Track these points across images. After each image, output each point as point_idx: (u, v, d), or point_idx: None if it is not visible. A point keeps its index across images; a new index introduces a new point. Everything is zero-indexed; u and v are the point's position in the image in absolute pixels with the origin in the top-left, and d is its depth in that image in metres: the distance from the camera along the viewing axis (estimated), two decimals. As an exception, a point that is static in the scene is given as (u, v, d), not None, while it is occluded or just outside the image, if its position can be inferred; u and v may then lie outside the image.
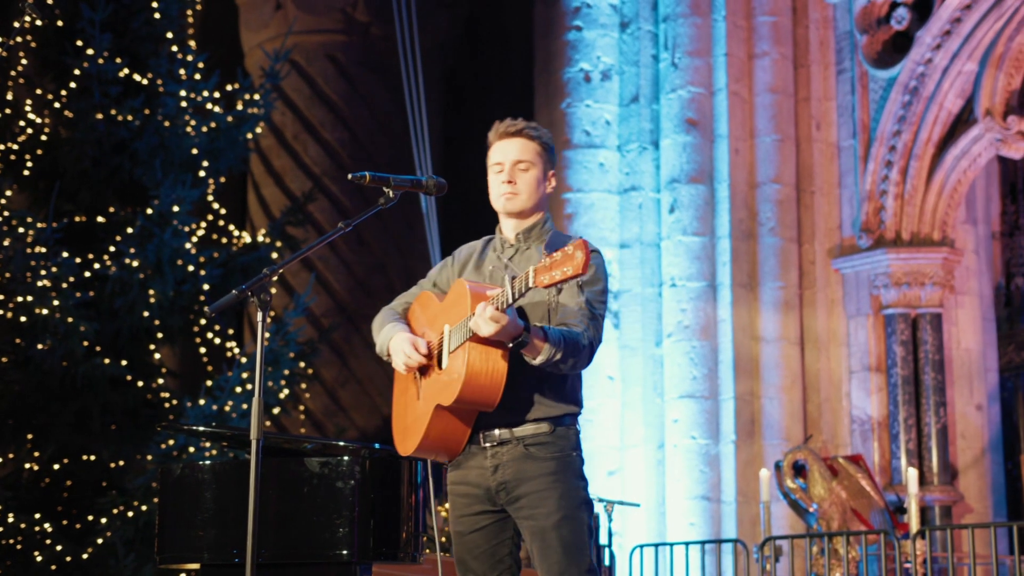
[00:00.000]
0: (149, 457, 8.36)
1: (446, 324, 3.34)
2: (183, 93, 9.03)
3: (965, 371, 9.59)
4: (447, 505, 3.67)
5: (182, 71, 9.17)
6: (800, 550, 7.84)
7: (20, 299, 8.30)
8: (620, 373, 9.61)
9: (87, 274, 8.64)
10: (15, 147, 8.94)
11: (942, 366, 9.34)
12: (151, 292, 8.57)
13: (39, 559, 8.07)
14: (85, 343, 8.34)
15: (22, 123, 9.02)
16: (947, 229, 9.51)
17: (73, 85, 8.94)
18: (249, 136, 9.41)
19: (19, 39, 9.00)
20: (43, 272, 8.32)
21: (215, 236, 9.45)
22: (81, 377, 8.32)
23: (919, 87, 9.37)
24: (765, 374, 9.37)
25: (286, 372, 8.87)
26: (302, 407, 11.20)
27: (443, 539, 6.63)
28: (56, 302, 8.23)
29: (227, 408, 8.42)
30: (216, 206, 9.40)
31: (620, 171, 9.88)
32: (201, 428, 5.71)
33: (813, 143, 9.73)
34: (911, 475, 7.33)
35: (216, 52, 10.31)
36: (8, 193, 8.67)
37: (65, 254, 8.46)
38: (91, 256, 8.70)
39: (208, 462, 4.22)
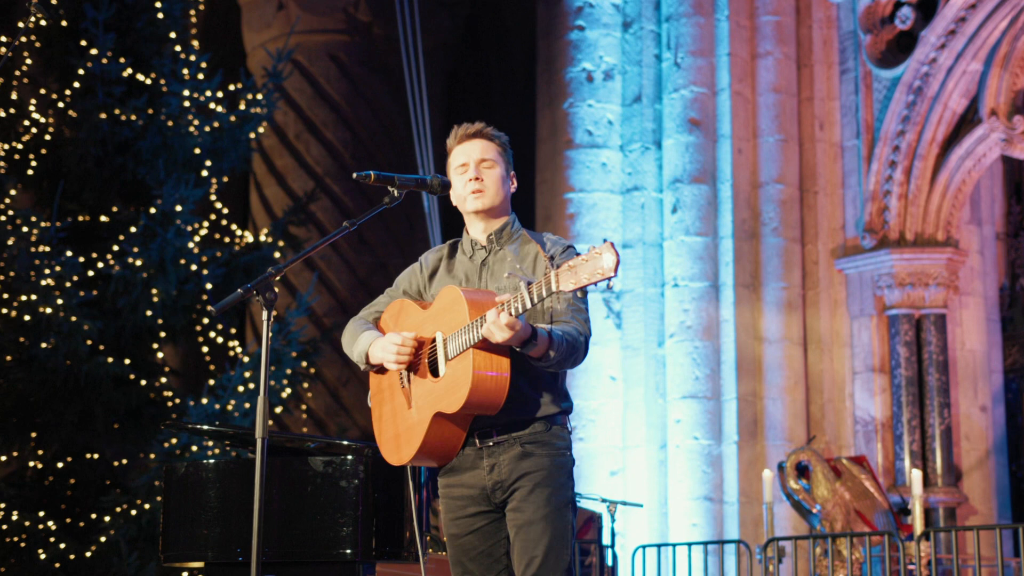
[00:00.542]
0: (152, 456, 8.38)
1: (438, 331, 3.33)
2: (186, 93, 9.03)
3: (969, 372, 9.57)
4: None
5: (185, 71, 9.17)
6: (803, 551, 7.83)
7: (24, 298, 8.31)
8: (622, 373, 9.60)
9: (90, 273, 8.65)
10: (19, 146, 8.96)
11: (946, 367, 9.32)
12: (154, 291, 8.58)
13: (43, 557, 8.08)
14: (88, 342, 8.34)
15: (26, 123, 9.03)
16: (951, 229, 9.49)
17: (77, 85, 8.95)
18: (252, 136, 9.41)
19: (23, 39, 9.01)
20: (47, 271, 8.33)
21: (218, 235, 9.47)
22: (84, 376, 8.33)
23: (923, 87, 9.35)
24: (768, 375, 9.35)
25: (288, 371, 8.88)
26: (304, 406, 11.21)
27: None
28: (59, 301, 8.24)
29: (229, 407, 8.43)
30: (219, 206, 9.41)
31: (623, 171, 9.87)
32: (205, 427, 5.70)
33: (816, 143, 9.71)
34: (915, 476, 7.31)
35: (219, 52, 10.33)
36: (12, 192, 8.69)
37: (68, 253, 8.47)
38: (94, 255, 8.71)
39: (212, 461, 4.22)
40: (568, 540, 3.32)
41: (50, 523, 8.17)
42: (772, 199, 9.54)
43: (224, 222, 9.49)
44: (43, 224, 8.51)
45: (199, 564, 4.24)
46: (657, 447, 9.42)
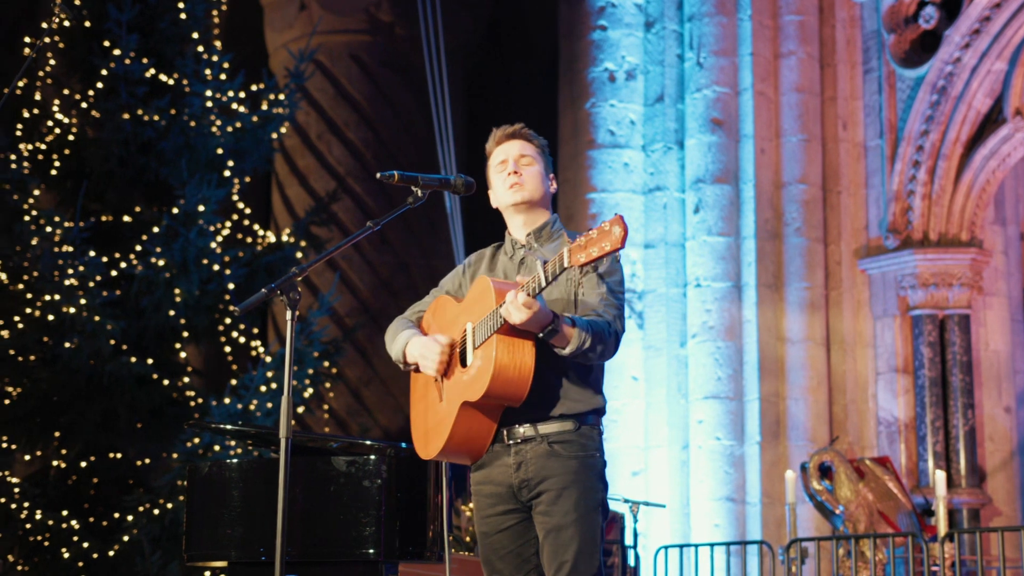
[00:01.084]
0: (175, 455, 8.41)
1: (468, 322, 3.33)
2: (208, 93, 9.06)
3: (993, 373, 9.52)
4: (471, 505, 3.66)
5: (208, 71, 9.20)
6: (826, 552, 7.79)
7: (47, 298, 8.36)
8: (644, 373, 9.58)
9: (113, 273, 8.69)
10: (43, 147, 9.00)
11: (970, 368, 9.27)
12: (177, 291, 8.61)
13: (66, 556, 8.12)
14: (111, 342, 8.38)
15: (50, 123, 9.08)
16: (975, 230, 9.44)
17: (100, 85, 8.99)
18: (274, 136, 9.44)
19: (47, 40, 9.06)
20: (70, 271, 8.37)
21: (240, 236, 9.49)
22: (107, 376, 8.37)
23: (947, 86, 9.30)
24: (790, 375, 9.32)
25: (310, 371, 8.91)
26: (326, 406, 11.23)
27: (467, 538, 6.62)
28: (83, 301, 8.28)
29: (252, 407, 8.46)
30: (241, 206, 9.43)
31: (645, 171, 9.85)
32: (227, 427, 5.72)
33: (840, 143, 9.67)
34: (939, 477, 7.27)
35: (241, 52, 10.35)
36: (36, 193, 8.74)
37: (92, 253, 8.51)
38: (117, 255, 8.75)
39: (235, 460, 4.23)
40: (598, 543, 3.30)
41: (73, 522, 8.21)
42: (795, 199, 9.51)
43: (246, 222, 9.52)
44: (66, 224, 8.55)
45: (222, 563, 4.25)
46: (679, 447, 9.39)
